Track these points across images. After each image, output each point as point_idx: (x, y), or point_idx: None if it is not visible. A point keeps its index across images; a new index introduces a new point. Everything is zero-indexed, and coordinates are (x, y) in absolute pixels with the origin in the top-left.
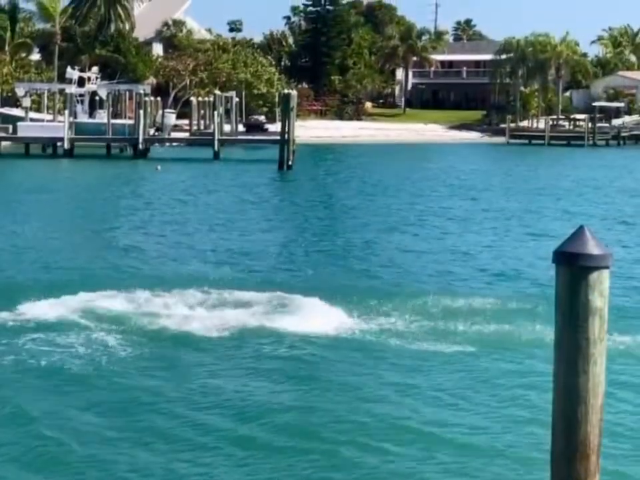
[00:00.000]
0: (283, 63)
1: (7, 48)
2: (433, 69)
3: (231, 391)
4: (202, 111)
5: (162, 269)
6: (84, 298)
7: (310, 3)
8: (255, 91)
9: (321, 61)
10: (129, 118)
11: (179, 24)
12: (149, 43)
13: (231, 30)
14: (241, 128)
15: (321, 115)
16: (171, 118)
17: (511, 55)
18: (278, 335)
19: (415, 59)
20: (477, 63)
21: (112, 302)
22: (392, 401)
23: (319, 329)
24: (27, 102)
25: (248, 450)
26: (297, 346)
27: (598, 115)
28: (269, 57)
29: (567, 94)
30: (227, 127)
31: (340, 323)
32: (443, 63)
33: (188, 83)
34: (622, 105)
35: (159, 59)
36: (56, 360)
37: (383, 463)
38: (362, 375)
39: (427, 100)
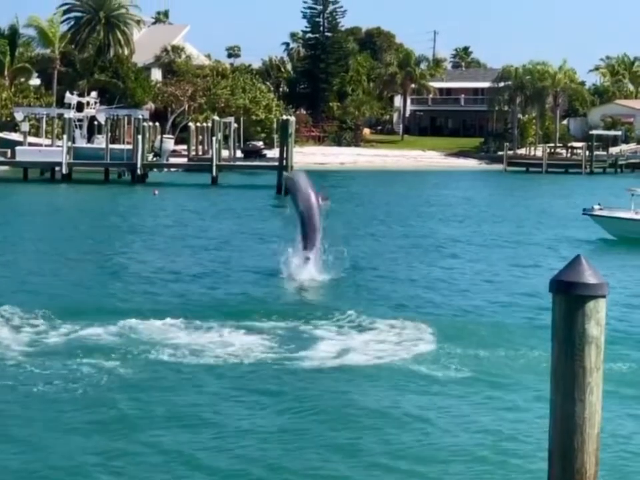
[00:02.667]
0: (281, 89)
1: (6, 72)
2: (431, 96)
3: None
4: (200, 137)
5: (153, 295)
6: (70, 324)
7: (309, 29)
8: (253, 117)
9: (319, 87)
10: (128, 143)
11: (177, 49)
12: (147, 68)
13: (229, 56)
14: (239, 154)
15: (319, 141)
16: (169, 143)
17: (509, 82)
18: (277, 362)
19: (413, 86)
20: (475, 91)
21: (100, 329)
22: (393, 425)
23: (318, 356)
24: (25, 126)
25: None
26: (291, 373)
27: (595, 143)
28: (268, 83)
29: (565, 122)
30: (225, 153)
31: (331, 349)
32: (441, 90)
33: (186, 108)
34: (619, 133)
35: (158, 85)
36: (44, 387)
37: None
38: (352, 399)
39: (425, 127)
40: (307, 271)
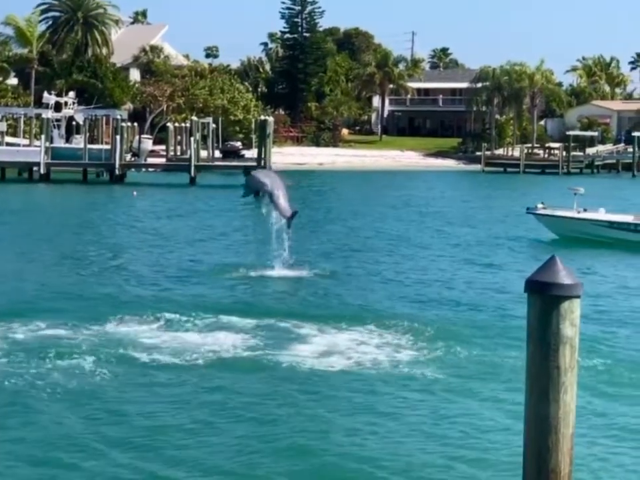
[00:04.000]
0: (259, 89)
1: None
2: (409, 96)
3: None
4: (179, 137)
5: (127, 294)
6: (40, 323)
7: (287, 29)
8: (232, 117)
9: (297, 87)
10: (106, 143)
11: (156, 50)
12: (126, 68)
13: (208, 56)
14: (217, 154)
15: (298, 141)
16: (148, 143)
17: (487, 83)
18: (250, 362)
19: (391, 86)
20: (453, 91)
21: (72, 329)
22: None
23: (297, 356)
24: (2, 126)
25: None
26: (280, 372)
27: (572, 144)
28: (246, 83)
29: (542, 122)
30: (203, 153)
31: (311, 350)
32: (419, 90)
33: (165, 108)
34: (596, 134)
35: (136, 85)
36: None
37: None
38: (326, 401)
39: (403, 127)
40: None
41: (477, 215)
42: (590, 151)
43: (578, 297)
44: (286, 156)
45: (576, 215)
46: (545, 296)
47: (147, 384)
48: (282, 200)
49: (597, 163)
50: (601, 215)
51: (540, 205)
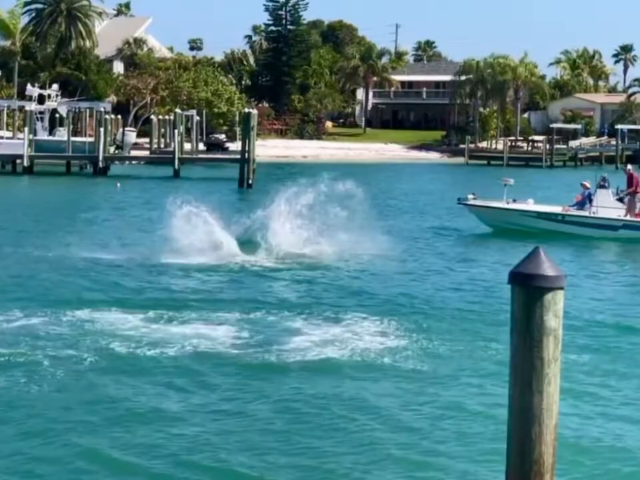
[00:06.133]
0: (243, 82)
1: None
2: (393, 89)
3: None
4: (162, 130)
5: (107, 286)
6: (18, 313)
7: (271, 22)
8: (216, 110)
9: (281, 80)
10: (89, 136)
11: (139, 42)
12: (109, 60)
13: (192, 48)
14: (201, 146)
15: (282, 134)
16: (132, 136)
17: (471, 76)
18: (233, 354)
19: (375, 79)
20: (437, 84)
21: (50, 319)
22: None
23: (277, 347)
24: None
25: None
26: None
27: (555, 137)
28: (230, 76)
29: (526, 115)
30: (187, 146)
31: (297, 342)
32: (403, 83)
33: (149, 101)
34: (579, 126)
35: (120, 77)
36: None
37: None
38: (311, 392)
39: (387, 120)
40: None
41: (426, 207)
42: (573, 143)
43: (562, 288)
44: (270, 148)
45: (504, 206)
46: (528, 287)
47: (129, 374)
48: None
49: (580, 156)
50: (529, 205)
51: (470, 196)
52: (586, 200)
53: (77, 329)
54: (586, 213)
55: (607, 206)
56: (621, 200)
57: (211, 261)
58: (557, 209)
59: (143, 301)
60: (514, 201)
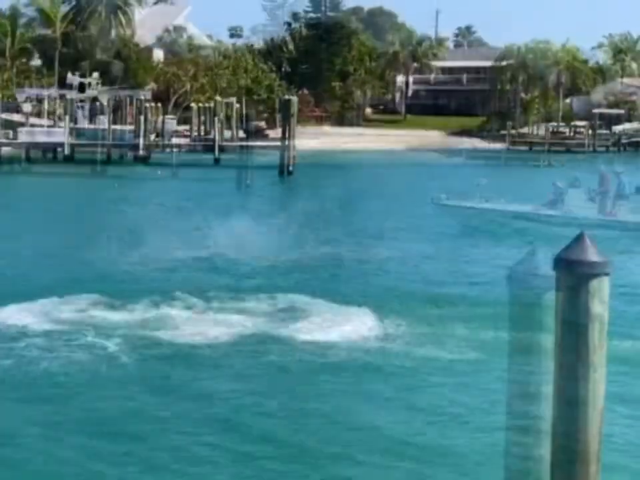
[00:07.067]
0: (283, 69)
1: (7, 54)
2: (433, 75)
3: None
4: (202, 117)
5: (157, 277)
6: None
7: (311, 9)
8: (255, 97)
9: (321, 67)
10: (130, 124)
11: (179, 30)
12: (149, 48)
13: (232, 36)
14: (241, 134)
15: (321, 121)
16: (172, 124)
17: (511, 61)
18: (273, 341)
19: (415, 65)
20: (478, 70)
21: (103, 310)
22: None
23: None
24: (27, 107)
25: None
26: (290, 352)
27: (598, 122)
28: (270, 63)
29: (567, 100)
30: (227, 133)
31: (316, 331)
32: (443, 69)
33: (188, 88)
34: (622, 111)
35: (160, 65)
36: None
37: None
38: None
39: (427, 106)
40: None
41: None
42: (616, 128)
43: (607, 274)
44: (310, 135)
45: (476, 205)
46: (573, 274)
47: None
48: None
49: (623, 141)
50: (500, 205)
51: (443, 196)
52: (558, 199)
53: (115, 319)
54: (558, 212)
55: (579, 205)
56: (592, 200)
57: None
58: (526, 208)
59: None
60: (486, 200)
